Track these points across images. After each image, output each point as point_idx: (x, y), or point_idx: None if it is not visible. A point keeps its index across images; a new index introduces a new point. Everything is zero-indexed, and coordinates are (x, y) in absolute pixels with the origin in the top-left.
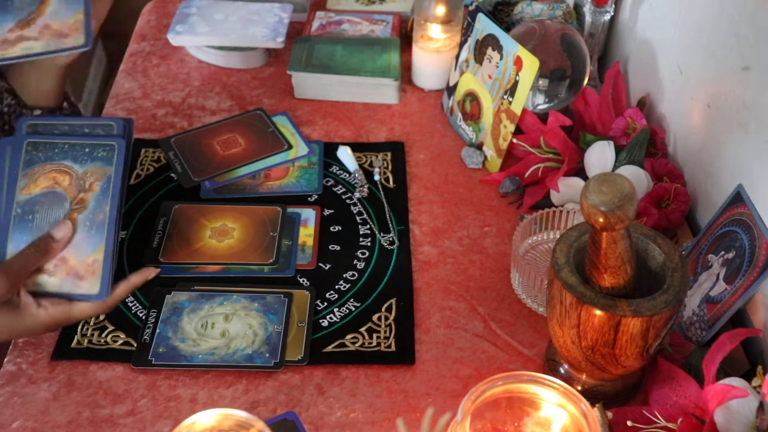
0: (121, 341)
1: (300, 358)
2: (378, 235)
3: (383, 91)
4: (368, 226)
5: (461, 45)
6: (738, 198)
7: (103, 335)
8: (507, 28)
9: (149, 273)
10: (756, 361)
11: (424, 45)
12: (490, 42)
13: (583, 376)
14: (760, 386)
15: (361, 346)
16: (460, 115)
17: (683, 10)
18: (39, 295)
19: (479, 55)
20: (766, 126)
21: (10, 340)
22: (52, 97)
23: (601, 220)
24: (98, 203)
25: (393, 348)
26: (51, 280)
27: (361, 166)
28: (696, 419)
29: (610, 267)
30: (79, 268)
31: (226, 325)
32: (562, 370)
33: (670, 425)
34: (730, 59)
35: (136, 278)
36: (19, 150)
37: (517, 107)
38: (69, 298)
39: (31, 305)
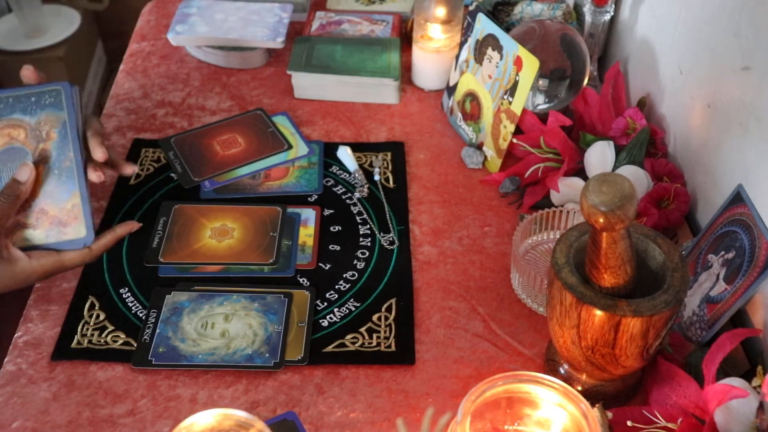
0: (121, 341)
1: (300, 358)
2: (378, 235)
3: (383, 91)
4: (368, 226)
5: (461, 45)
6: (738, 198)
7: (103, 335)
8: (507, 28)
9: (133, 225)
10: (756, 361)
11: (424, 45)
12: (490, 42)
13: (583, 376)
14: (760, 386)
15: (361, 346)
16: (460, 115)
17: (683, 10)
18: (28, 249)
19: (479, 55)
20: (766, 126)
21: (5, 291)
22: None
23: (601, 220)
24: (61, 150)
25: (393, 348)
26: (36, 233)
27: (361, 166)
28: (696, 419)
29: (610, 267)
30: (61, 216)
31: (226, 325)
32: (562, 370)
33: (670, 425)
34: (730, 59)
35: (122, 229)
36: None
37: (517, 107)
38: (58, 248)
39: (21, 258)
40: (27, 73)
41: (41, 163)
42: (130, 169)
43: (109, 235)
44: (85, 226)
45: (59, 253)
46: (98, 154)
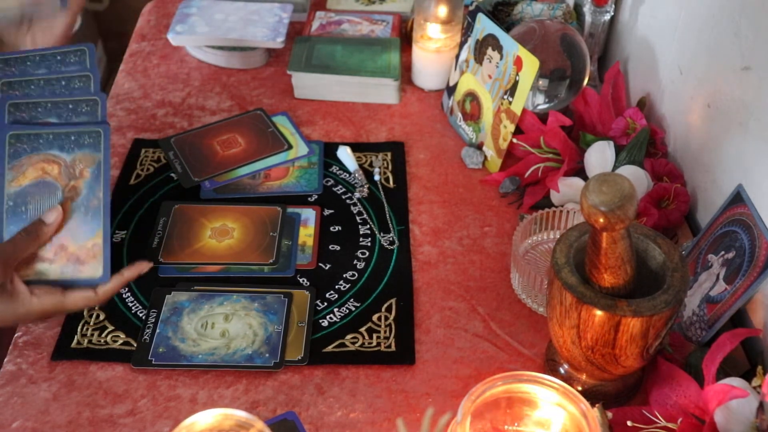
0: (121, 341)
1: (300, 358)
2: (378, 235)
3: (383, 91)
4: (368, 226)
5: (461, 45)
6: (738, 198)
7: (103, 335)
8: (507, 28)
9: (142, 267)
10: (756, 361)
11: (424, 45)
12: (490, 42)
13: (583, 376)
14: (760, 386)
15: (361, 346)
16: (460, 115)
17: (683, 10)
18: (40, 283)
19: (479, 55)
20: (766, 126)
21: (3, 326)
22: None
23: (601, 220)
24: (91, 189)
25: (393, 348)
26: (52, 267)
27: (361, 166)
28: (696, 419)
29: (610, 267)
30: (80, 254)
31: (226, 325)
32: (562, 370)
33: (670, 425)
34: (730, 59)
35: (129, 272)
36: (2, 144)
37: (517, 107)
38: (72, 283)
39: (24, 293)
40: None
41: (69, 199)
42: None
43: (117, 280)
44: (103, 267)
45: (63, 293)
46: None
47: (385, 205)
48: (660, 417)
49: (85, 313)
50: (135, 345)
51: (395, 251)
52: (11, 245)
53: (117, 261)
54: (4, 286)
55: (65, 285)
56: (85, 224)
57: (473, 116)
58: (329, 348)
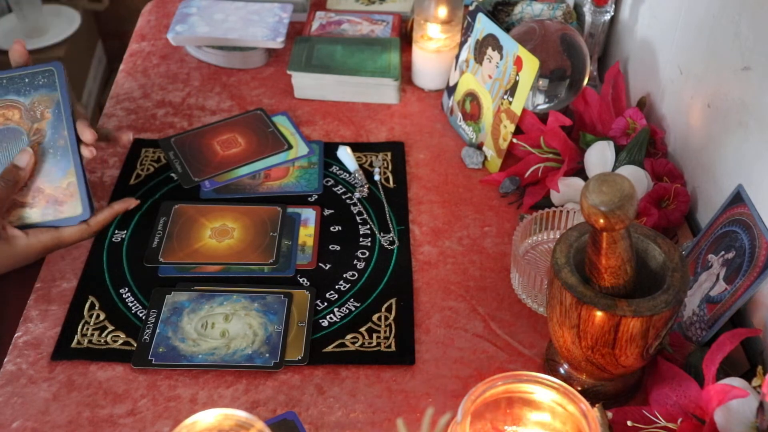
0: (121, 341)
1: (300, 358)
2: (378, 235)
3: (383, 91)
4: (368, 226)
5: (461, 45)
6: (738, 198)
7: (103, 335)
8: (507, 28)
9: (131, 202)
10: (756, 361)
11: (424, 45)
12: (490, 42)
13: (583, 376)
14: (760, 386)
15: (361, 346)
16: (460, 115)
17: (683, 10)
18: (25, 227)
19: (479, 55)
20: (766, 126)
21: (6, 271)
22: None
23: (601, 220)
24: (55, 129)
25: (393, 348)
26: (33, 211)
27: (361, 166)
28: (696, 419)
29: (610, 267)
30: (57, 194)
31: (226, 325)
32: (562, 370)
33: (670, 425)
34: (730, 59)
35: (119, 205)
36: None
37: (517, 107)
38: (55, 225)
39: (20, 237)
40: (17, 47)
41: (36, 142)
42: (126, 137)
43: (107, 211)
44: (81, 204)
45: (57, 229)
46: (87, 135)
47: (385, 205)
48: (660, 417)
49: (85, 313)
50: (135, 345)
51: (395, 251)
52: None
53: (117, 261)
54: None
55: (49, 227)
56: (55, 165)
57: (473, 116)
58: (329, 348)
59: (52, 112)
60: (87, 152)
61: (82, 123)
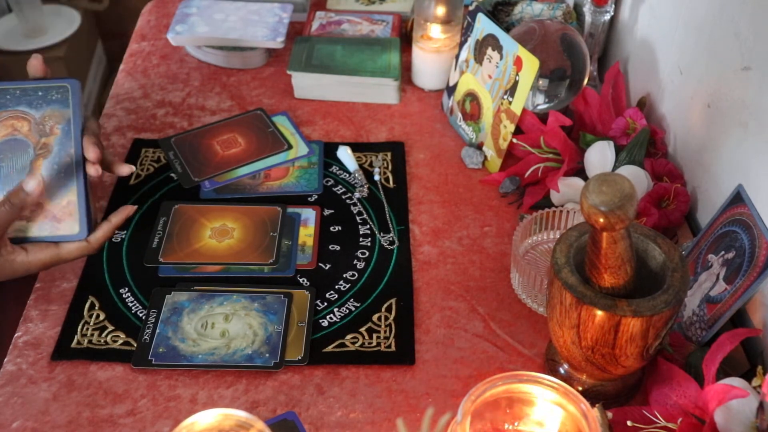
0: (121, 341)
1: (300, 358)
2: (378, 235)
3: (383, 91)
4: (368, 226)
5: (461, 45)
6: (738, 198)
7: (103, 335)
8: (507, 28)
9: (128, 210)
10: (756, 361)
11: (424, 45)
12: (490, 42)
13: (583, 376)
14: (760, 386)
15: (361, 346)
16: (460, 115)
17: (683, 10)
18: (21, 241)
19: (479, 55)
20: (766, 126)
21: (5, 280)
22: None
23: (601, 220)
24: (62, 146)
25: (393, 348)
26: (30, 225)
27: (361, 166)
28: (696, 419)
29: (610, 267)
30: (55, 211)
31: (226, 325)
32: (562, 370)
33: (670, 425)
34: (730, 59)
35: (117, 218)
36: None
37: (517, 107)
38: (51, 241)
39: (18, 253)
40: (35, 63)
41: (41, 156)
42: (126, 170)
43: (105, 227)
44: (79, 224)
45: (57, 246)
46: (90, 153)
47: (385, 205)
48: (660, 417)
49: (85, 313)
50: (135, 345)
51: (395, 251)
52: None
53: (117, 261)
54: None
55: (49, 243)
56: (58, 182)
57: (473, 116)
58: (329, 348)
59: (62, 129)
60: (93, 171)
61: (89, 140)
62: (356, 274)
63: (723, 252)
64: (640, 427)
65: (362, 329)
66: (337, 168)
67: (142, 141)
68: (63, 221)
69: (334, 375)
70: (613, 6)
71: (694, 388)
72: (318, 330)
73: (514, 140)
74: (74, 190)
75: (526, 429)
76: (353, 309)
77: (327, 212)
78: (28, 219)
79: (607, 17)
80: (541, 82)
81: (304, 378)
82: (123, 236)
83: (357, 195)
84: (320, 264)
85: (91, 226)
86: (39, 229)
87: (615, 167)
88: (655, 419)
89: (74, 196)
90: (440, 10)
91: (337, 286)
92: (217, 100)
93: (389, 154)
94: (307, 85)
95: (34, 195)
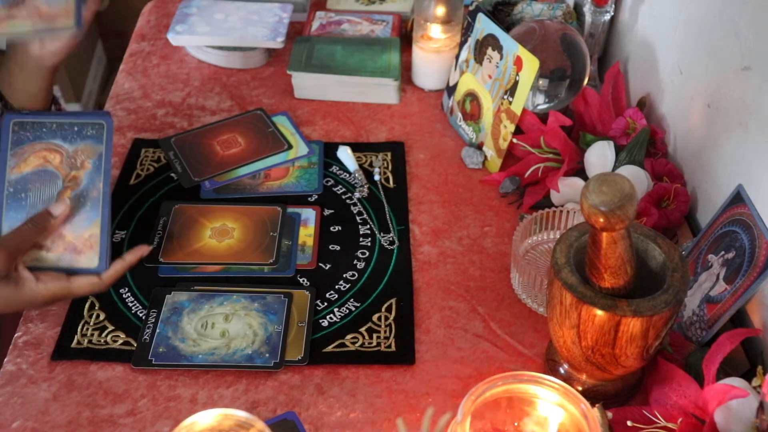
0: (121, 341)
1: (300, 358)
2: (378, 235)
3: (383, 91)
4: (368, 226)
5: (461, 45)
6: (738, 198)
7: (103, 335)
8: (507, 28)
9: (143, 250)
10: (756, 361)
11: (424, 45)
12: (490, 42)
13: (583, 376)
14: (760, 386)
15: (361, 346)
16: (460, 115)
17: (683, 10)
18: (38, 269)
19: (479, 55)
20: (766, 126)
21: (10, 312)
22: (40, 100)
23: (601, 220)
24: (91, 180)
25: (393, 348)
26: (49, 255)
27: (361, 166)
28: (696, 419)
29: (610, 267)
30: (77, 243)
31: (226, 325)
32: (562, 370)
33: (670, 425)
34: (730, 59)
35: (131, 256)
36: (6, 130)
37: (517, 107)
38: (68, 272)
39: (29, 280)
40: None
41: (69, 188)
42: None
43: (119, 265)
44: (99, 258)
45: (68, 279)
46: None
47: (385, 205)
48: (660, 417)
49: (85, 312)
50: (135, 345)
51: (395, 251)
52: (18, 236)
53: (116, 258)
54: (9, 274)
55: (60, 275)
56: (83, 214)
57: (473, 116)
58: (329, 348)
59: (93, 163)
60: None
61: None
62: (356, 274)
63: (723, 252)
64: (640, 427)
65: (362, 329)
66: (337, 168)
67: (142, 141)
68: (83, 253)
69: (334, 375)
70: (613, 6)
71: (694, 388)
72: (318, 330)
73: (514, 140)
74: (98, 224)
75: (526, 429)
76: (353, 309)
77: (327, 212)
78: (48, 249)
79: (607, 17)
80: (541, 82)
81: (304, 378)
82: (123, 236)
83: (357, 195)
84: (320, 264)
85: (109, 261)
86: (58, 259)
87: (615, 167)
88: (655, 419)
89: (97, 230)
90: (440, 10)
91: (337, 286)
92: (217, 100)
93: (389, 154)
94: (307, 85)
95: (60, 219)
